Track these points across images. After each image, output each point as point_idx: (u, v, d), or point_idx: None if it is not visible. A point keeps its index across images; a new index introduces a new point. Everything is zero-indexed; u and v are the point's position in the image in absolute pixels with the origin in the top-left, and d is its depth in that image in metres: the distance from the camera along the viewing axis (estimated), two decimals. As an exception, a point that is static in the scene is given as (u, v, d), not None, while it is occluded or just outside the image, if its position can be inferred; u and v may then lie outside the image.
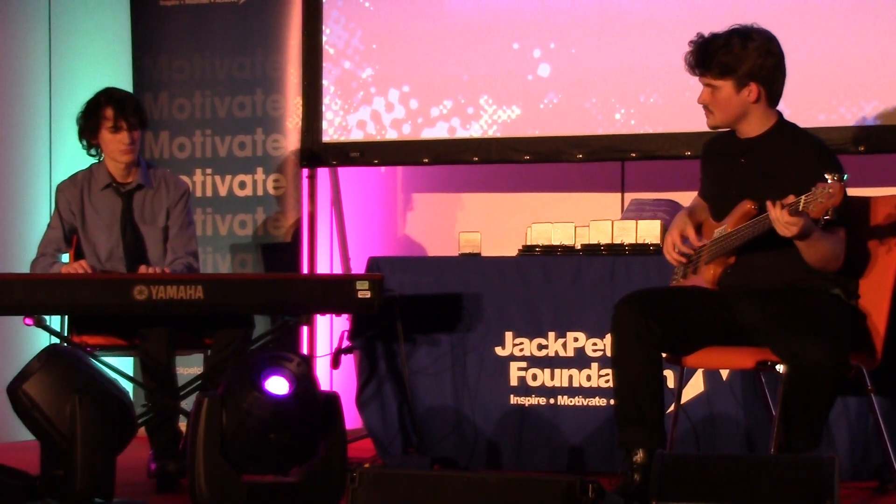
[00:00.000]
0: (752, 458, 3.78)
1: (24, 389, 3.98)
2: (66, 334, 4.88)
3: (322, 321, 5.90)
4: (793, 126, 4.26)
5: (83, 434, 3.90)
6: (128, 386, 4.77)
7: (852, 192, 4.06)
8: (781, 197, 3.91)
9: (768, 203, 3.94)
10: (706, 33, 4.20)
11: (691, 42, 4.20)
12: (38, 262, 4.99)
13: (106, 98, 4.99)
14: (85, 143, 5.02)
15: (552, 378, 5.07)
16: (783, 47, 4.19)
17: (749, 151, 4.22)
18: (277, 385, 3.94)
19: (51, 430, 3.95)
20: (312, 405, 3.97)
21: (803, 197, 3.83)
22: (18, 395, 3.99)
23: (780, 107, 4.25)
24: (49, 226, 5.05)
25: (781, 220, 3.89)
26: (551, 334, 5.07)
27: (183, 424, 4.85)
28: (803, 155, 4.13)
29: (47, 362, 4.00)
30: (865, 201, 4.32)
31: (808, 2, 5.26)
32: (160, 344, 4.73)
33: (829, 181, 3.77)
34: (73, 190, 5.02)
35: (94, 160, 5.07)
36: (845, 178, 3.80)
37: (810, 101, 5.18)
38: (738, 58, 4.12)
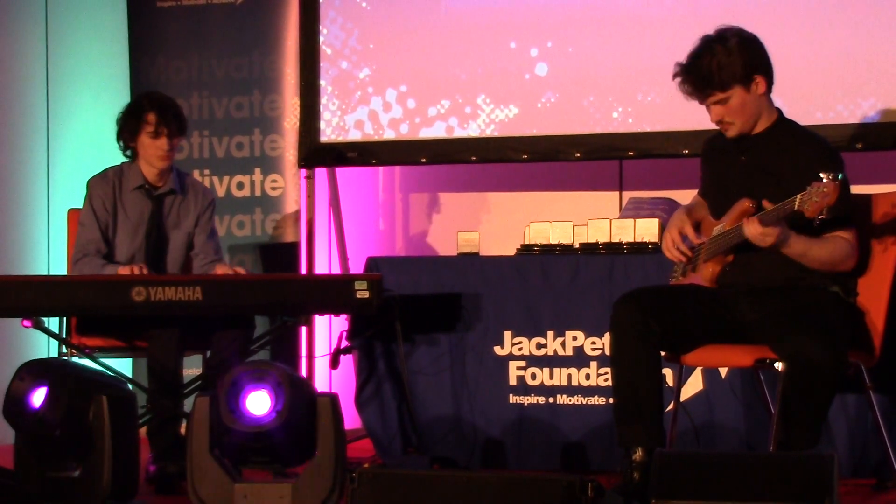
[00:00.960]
0: (752, 455, 3.78)
1: (42, 417, 3.98)
2: (64, 336, 4.88)
3: (321, 321, 5.90)
4: (793, 123, 4.25)
5: (113, 434, 3.94)
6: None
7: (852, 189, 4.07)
8: (781, 195, 3.92)
9: (743, 221, 3.98)
10: (681, 61, 4.17)
11: (676, 74, 4.16)
12: (85, 262, 4.92)
13: (149, 102, 4.97)
14: (122, 144, 5.00)
15: (551, 377, 5.07)
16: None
17: (750, 149, 4.21)
18: (258, 403, 3.92)
19: (82, 441, 3.98)
20: (297, 419, 3.93)
21: (798, 196, 3.84)
22: (35, 423, 3.99)
23: (778, 104, 4.25)
24: (82, 224, 4.99)
25: (755, 233, 3.94)
26: (550, 333, 5.07)
27: (182, 426, 4.85)
28: (804, 153, 4.13)
29: (52, 381, 4.00)
30: (863, 199, 4.33)
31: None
32: (169, 346, 4.72)
33: (825, 180, 3.78)
34: (106, 187, 4.99)
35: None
36: (840, 176, 3.81)
37: (808, 99, 5.18)
38: (732, 61, 4.11)
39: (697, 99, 4.15)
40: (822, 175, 3.78)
